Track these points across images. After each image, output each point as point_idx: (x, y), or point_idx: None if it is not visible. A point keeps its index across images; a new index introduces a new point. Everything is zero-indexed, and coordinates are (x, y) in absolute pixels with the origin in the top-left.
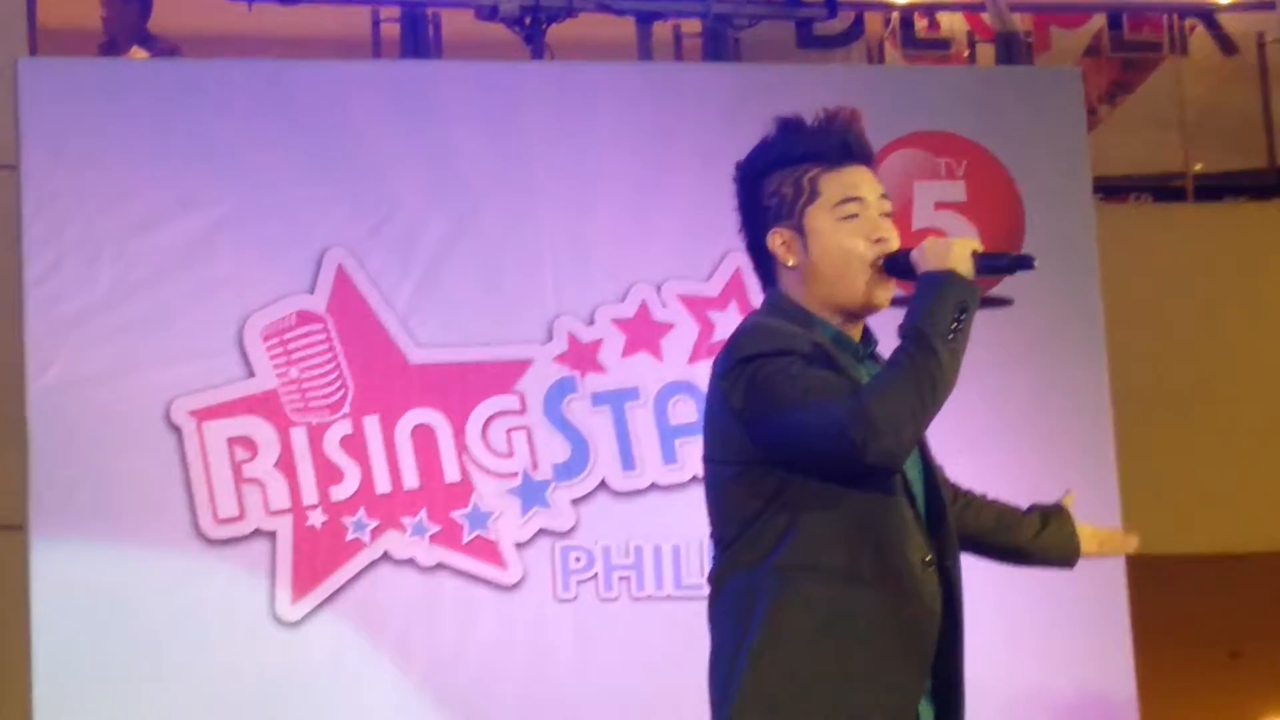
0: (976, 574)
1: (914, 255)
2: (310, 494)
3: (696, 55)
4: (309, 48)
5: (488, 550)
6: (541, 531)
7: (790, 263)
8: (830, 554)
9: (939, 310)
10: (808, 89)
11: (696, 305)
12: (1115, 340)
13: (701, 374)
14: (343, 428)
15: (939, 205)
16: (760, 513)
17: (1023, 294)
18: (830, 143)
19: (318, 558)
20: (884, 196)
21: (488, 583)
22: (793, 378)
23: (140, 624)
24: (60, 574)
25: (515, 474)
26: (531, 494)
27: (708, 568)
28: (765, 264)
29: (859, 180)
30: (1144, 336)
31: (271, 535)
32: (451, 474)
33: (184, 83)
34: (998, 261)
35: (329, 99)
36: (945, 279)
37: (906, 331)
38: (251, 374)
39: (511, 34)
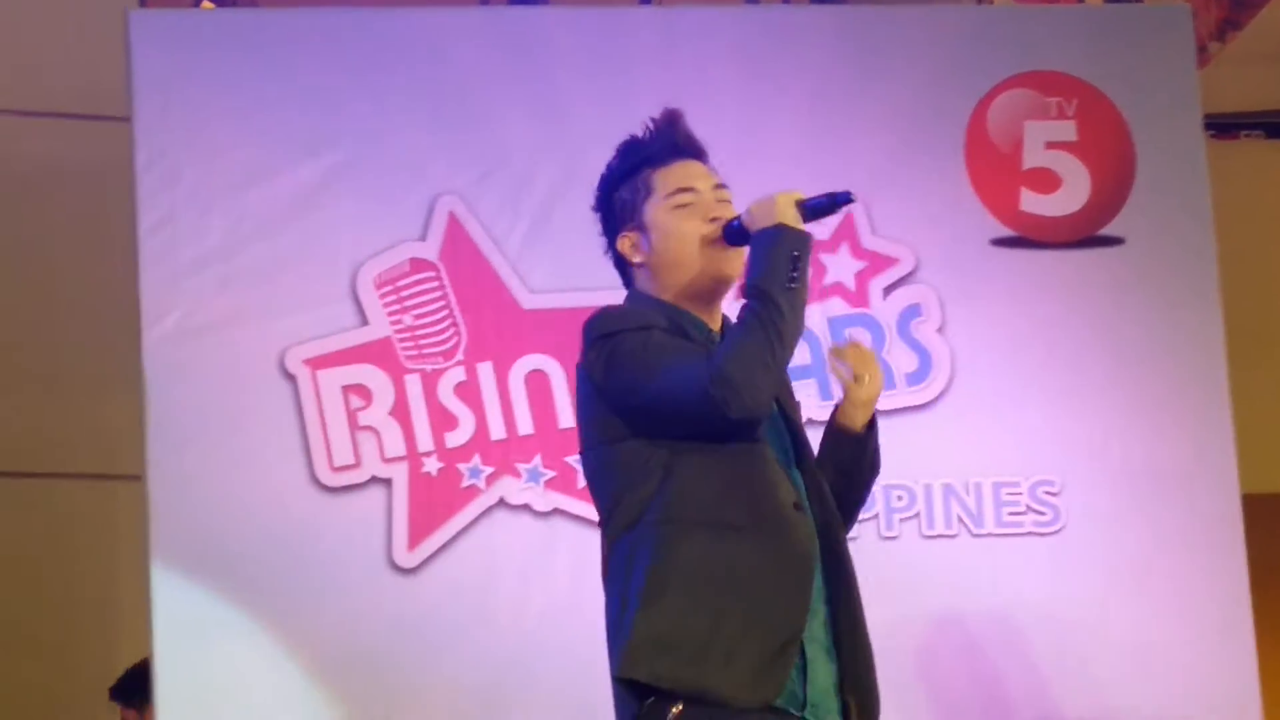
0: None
1: (744, 219)
2: (425, 441)
3: None
4: None
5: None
6: None
7: (638, 260)
8: (703, 506)
9: (774, 264)
10: (916, 29)
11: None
12: (1227, 278)
13: (812, 316)
14: (456, 374)
15: (1050, 145)
16: (633, 481)
17: (1134, 233)
18: (658, 144)
19: (434, 504)
20: (720, 186)
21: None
22: (652, 347)
23: (258, 572)
24: (178, 523)
25: None
26: None
27: None
28: (622, 268)
29: (689, 172)
30: (1256, 274)
31: (387, 483)
32: (566, 419)
33: (294, 33)
34: (819, 203)
35: (438, 47)
36: (775, 233)
37: (748, 290)
38: (365, 322)
39: None
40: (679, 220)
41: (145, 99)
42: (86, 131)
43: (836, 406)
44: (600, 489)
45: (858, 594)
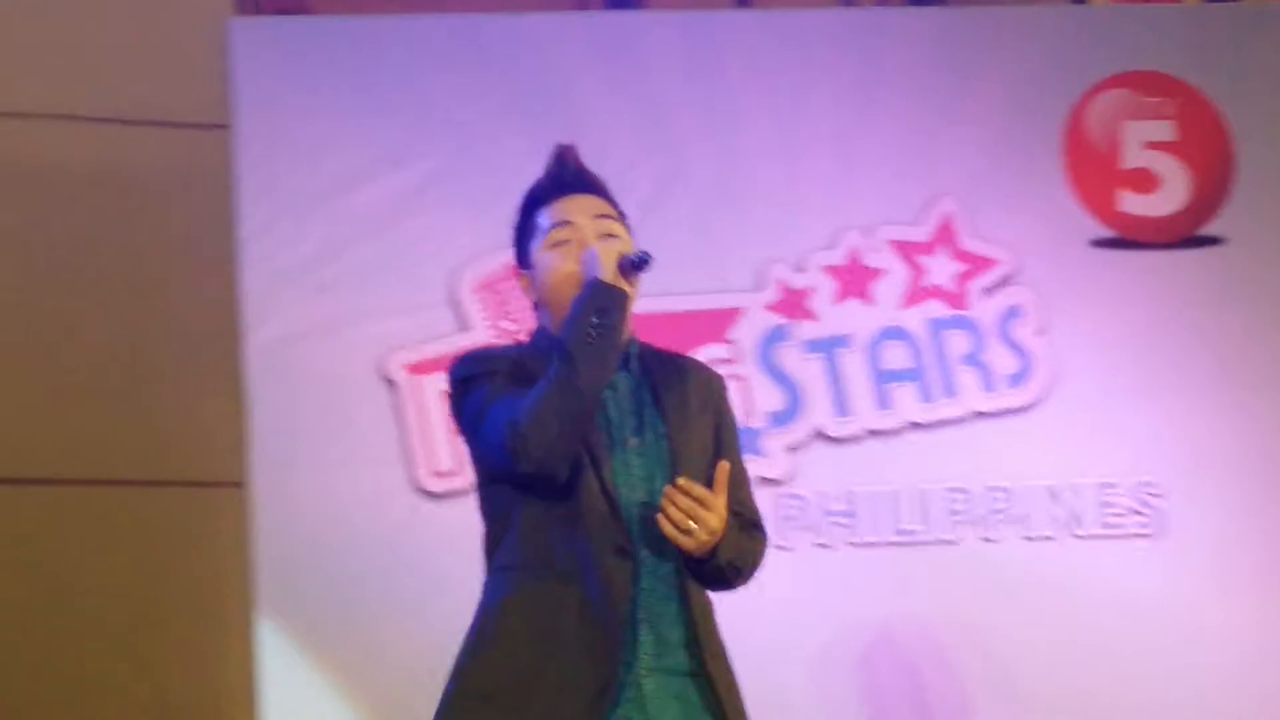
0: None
1: (582, 263)
2: None
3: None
4: (511, 2)
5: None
6: (758, 480)
7: (533, 299)
8: (530, 552)
9: (578, 319)
10: (1013, 30)
11: (906, 249)
12: None
13: (912, 319)
14: None
15: (1149, 145)
16: (491, 525)
17: (1236, 233)
18: (546, 183)
19: None
20: (603, 216)
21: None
22: (479, 402)
23: (361, 578)
24: (281, 529)
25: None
26: (747, 442)
27: (924, 514)
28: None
29: (568, 207)
30: None
31: None
32: None
33: (390, 39)
34: (629, 261)
35: (533, 52)
36: (587, 289)
37: (555, 346)
38: (464, 327)
39: None
40: (555, 259)
41: (245, 107)
42: (184, 139)
43: None
44: (483, 523)
45: (706, 627)
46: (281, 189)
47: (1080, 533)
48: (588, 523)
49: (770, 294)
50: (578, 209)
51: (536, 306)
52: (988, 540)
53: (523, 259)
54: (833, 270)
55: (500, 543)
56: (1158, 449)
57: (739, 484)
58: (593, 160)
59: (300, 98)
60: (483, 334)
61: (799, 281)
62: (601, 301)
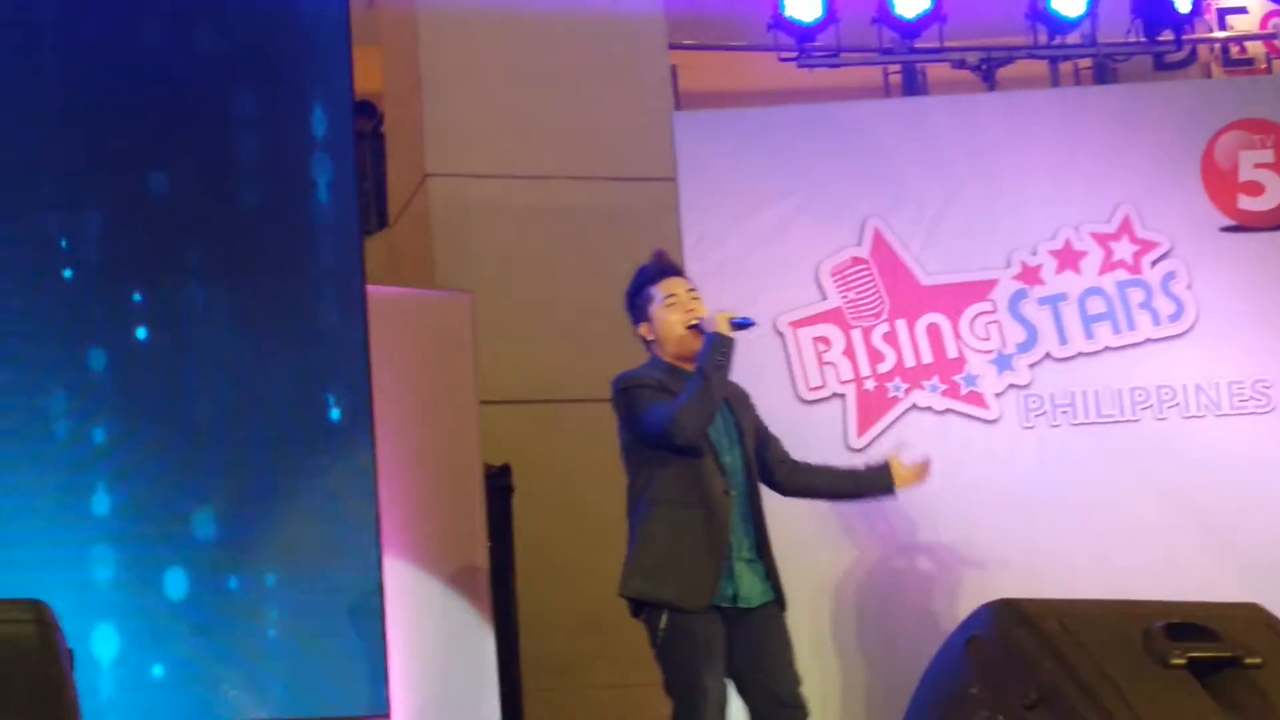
0: None
1: (703, 323)
2: (865, 370)
3: (1087, 81)
4: (834, 94)
5: (977, 399)
6: (1010, 386)
7: (650, 338)
8: (671, 491)
9: (709, 355)
10: (1169, 95)
11: (1101, 238)
12: None
13: (1106, 281)
14: (883, 328)
15: (1257, 165)
16: (637, 473)
17: None
18: (655, 269)
19: (871, 409)
20: (692, 290)
21: (978, 419)
22: (640, 400)
23: None
24: None
25: (992, 351)
26: (1002, 362)
27: (1119, 404)
28: (645, 342)
29: (672, 285)
30: None
31: (842, 396)
32: (952, 352)
33: (773, 120)
34: (739, 323)
35: (862, 127)
36: (711, 338)
37: (695, 369)
38: (824, 298)
39: (972, 75)
40: (667, 315)
41: (687, 177)
42: (646, 188)
43: (882, 467)
44: (627, 475)
45: (764, 527)
46: (709, 216)
47: (1219, 413)
48: (705, 473)
49: (1014, 269)
50: (678, 285)
51: (650, 346)
52: (1159, 420)
53: (638, 317)
54: (1054, 252)
55: (647, 486)
56: (1268, 358)
57: (775, 436)
58: (898, 191)
59: (718, 155)
60: (836, 300)
61: (1033, 261)
62: (722, 346)
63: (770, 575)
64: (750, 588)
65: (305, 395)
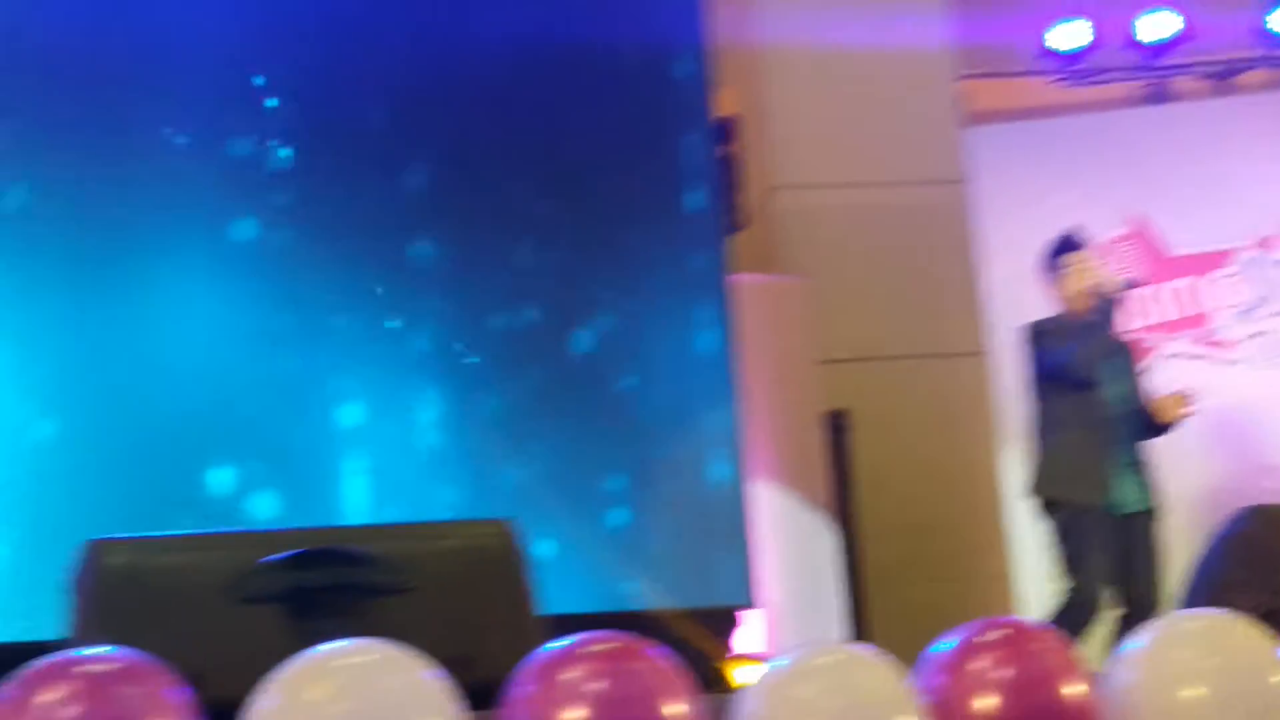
0: None
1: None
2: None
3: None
4: (1087, 105)
5: (1224, 345)
6: (1254, 334)
7: (1057, 295)
8: (1067, 415)
9: (1099, 315)
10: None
11: None
12: None
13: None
14: (1142, 292)
15: None
16: (1039, 399)
17: None
18: (1063, 243)
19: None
20: (1088, 260)
21: (1225, 362)
22: (1044, 345)
23: None
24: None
25: (1236, 306)
26: (1250, 311)
27: None
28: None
29: (1077, 257)
30: None
31: None
32: (1199, 308)
33: (1042, 131)
34: (1121, 283)
35: (1120, 132)
36: (1105, 301)
37: (1088, 324)
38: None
39: (1209, 84)
40: (1072, 280)
41: (974, 168)
42: (938, 191)
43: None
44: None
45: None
46: (997, 212)
47: None
48: (1096, 401)
49: (1252, 240)
50: (1081, 258)
51: (1059, 299)
52: None
53: (1052, 278)
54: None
55: (1044, 409)
56: None
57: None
58: (1149, 183)
59: (1005, 162)
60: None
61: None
62: (1108, 308)
63: (1140, 475)
64: (1130, 494)
65: (681, 343)
